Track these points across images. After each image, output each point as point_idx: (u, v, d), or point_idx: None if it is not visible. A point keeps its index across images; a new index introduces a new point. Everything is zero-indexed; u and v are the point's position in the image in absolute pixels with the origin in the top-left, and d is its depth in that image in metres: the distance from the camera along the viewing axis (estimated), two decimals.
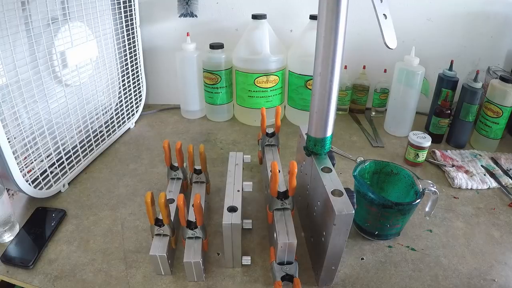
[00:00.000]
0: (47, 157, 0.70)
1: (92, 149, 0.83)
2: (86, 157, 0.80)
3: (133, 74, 0.98)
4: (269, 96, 0.97)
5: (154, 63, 1.11)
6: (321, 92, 0.48)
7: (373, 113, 1.08)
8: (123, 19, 0.91)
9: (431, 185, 0.56)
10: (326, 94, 0.48)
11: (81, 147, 0.79)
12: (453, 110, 0.91)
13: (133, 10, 0.93)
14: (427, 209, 0.60)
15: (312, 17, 0.90)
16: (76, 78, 0.75)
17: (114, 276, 0.54)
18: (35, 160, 0.66)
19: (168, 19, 1.04)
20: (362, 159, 0.82)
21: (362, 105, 1.09)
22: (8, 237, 0.60)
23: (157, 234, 0.53)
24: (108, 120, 0.91)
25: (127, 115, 0.98)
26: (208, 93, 1.01)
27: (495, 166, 0.81)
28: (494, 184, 0.75)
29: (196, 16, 1.03)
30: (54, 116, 0.69)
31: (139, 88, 1.03)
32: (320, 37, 0.44)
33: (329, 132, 0.52)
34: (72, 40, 0.72)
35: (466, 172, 0.78)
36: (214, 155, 0.87)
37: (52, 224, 0.63)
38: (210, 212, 0.67)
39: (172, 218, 0.54)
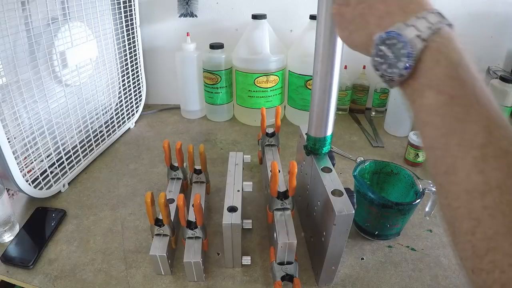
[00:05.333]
0: (47, 157, 0.70)
1: (92, 149, 0.83)
2: (86, 157, 0.80)
3: (133, 74, 0.98)
4: (269, 96, 0.97)
5: (154, 63, 1.11)
6: (320, 92, 0.48)
7: (373, 113, 1.08)
8: (123, 19, 0.91)
9: (431, 185, 0.56)
10: (326, 94, 0.48)
11: (81, 147, 0.79)
12: None
13: (133, 10, 0.93)
14: (427, 209, 0.60)
15: (312, 17, 0.90)
16: (76, 78, 0.75)
17: (114, 276, 0.54)
18: (35, 160, 0.66)
19: (168, 19, 1.04)
20: (362, 159, 0.82)
21: (362, 105, 1.09)
22: (8, 237, 0.60)
23: (157, 234, 0.53)
24: (108, 120, 0.91)
25: (127, 115, 0.98)
26: (208, 93, 1.01)
27: None
28: None
29: (196, 16, 1.03)
30: (54, 116, 0.69)
31: (139, 88, 1.03)
32: (319, 36, 0.44)
33: (329, 132, 0.52)
34: (72, 40, 0.72)
35: None
36: (214, 155, 0.87)
37: (52, 224, 0.63)
38: (210, 212, 0.67)
39: (172, 218, 0.54)
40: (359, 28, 0.32)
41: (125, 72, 0.96)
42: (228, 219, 0.50)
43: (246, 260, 0.55)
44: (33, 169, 0.66)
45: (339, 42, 0.44)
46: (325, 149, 0.54)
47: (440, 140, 0.24)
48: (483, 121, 0.23)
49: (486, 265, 0.21)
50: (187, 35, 0.96)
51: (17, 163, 0.60)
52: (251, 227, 0.61)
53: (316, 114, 0.50)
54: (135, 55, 0.98)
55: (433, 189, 0.56)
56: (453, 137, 0.23)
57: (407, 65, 0.26)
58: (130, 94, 0.99)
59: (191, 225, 0.52)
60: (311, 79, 0.91)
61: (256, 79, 0.94)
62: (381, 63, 0.29)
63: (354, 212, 0.44)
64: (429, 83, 0.26)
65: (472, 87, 0.24)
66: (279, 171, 0.58)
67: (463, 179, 0.23)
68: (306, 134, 0.55)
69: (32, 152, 0.65)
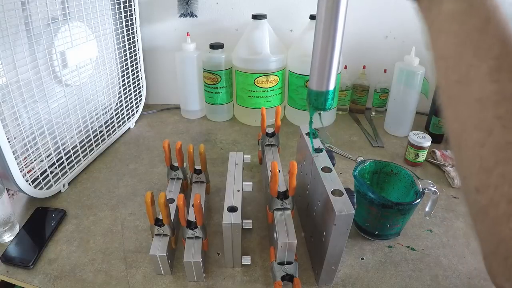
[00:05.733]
0: (47, 157, 0.70)
1: (92, 149, 0.83)
2: (86, 157, 0.80)
3: (133, 74, 0.99)
4: (269, 96, 0.97)
5: (154, 63, 1.11)
6: (323, 41, 0.44)
7: (373, 113, 1.08)
8: (123, 19, 0.91)
9: (431, 185, 0.56)
10: (330, 43, 0.44)
11: (81, 147, 0.79)
12: None
13: (133, 10, 0.93)
14: (427, 209, 0.60)
15: (312, 17, 0.90)
16: (76, 78, 0.75)
17: (114, 276, 0.54)
18: (35, 160, 0.66)
19: (168, 19, 1.04)
20: (362, 159, 0.82)
21: (362, 105, 1.09)
22: (8, 237, 0.60)
23: (157, 234, 0.53)
24: (108, 120, 0.91)
25: (127, 115, 0.98)
26: (208, 93, 1.01)
27: None
28: None
29: (196, 16, 1.03)
30: (54, 116, 0.69)
31: (139, 88, 1.03)
32: None
33: (331, 85, 0.48)
34: (72, 40, 0.72)
35: None
36: (214, 155, 0.87)
37: (52, 224, 0.63)
38: (210, 212, 0.67)
39: (172, 218, 0.54)
40: None
41: (125, 72, 0.96)
42: (228, 219, 0.50)
43: (246, 260, 0.55)
44: (33, 169, 0.66)
45: None
46: (328, 105, 0.49)
47: (455, 48, 0.24)
48: (500, 35, 0.22)
49: (494, 179, 0.20)
50: (187, 35, 0.96)
51: (17, 163, 0.60)
52: (251, 227, 0.61)
53: (319, 64, 0.46)
54: (135, 55, 0.98)
55: (433, 189, 0.56)
56: (469, 46, 0.23)
57: None
58: (130, 94, 0.99)
59: (191, 225, 0.52)
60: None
61: (256, 79, 0.94)
62: None
63: (354, 212, 0.44)
64: None
65: (490, 2, 0.24)
66: (279, 171, 0.58)
67: (476, 88, 0.22)
68: (306, 90, 0.51)
69: (32, 152, 0.65)
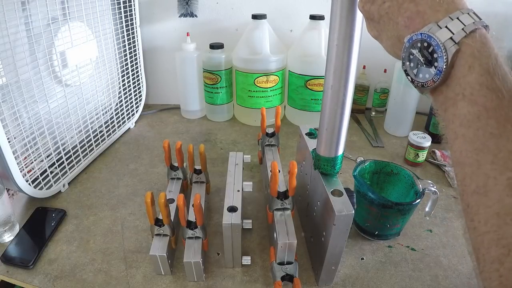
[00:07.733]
0: (47, 157, 0.70)
1: (92, 149, 0.83)
2: (86, 157, 0.80)
3: (133, 74, 0.98)
4: (269, 96, 0.97)
5: (154, 63, 1.11)
6: (332, 107, 0.44)
7: (373, 113, 1.08)
8: (123, 19, 0.91)
9: (431, 185, 0.56)
10: (339, 110, 0.44)
11: (81, 147, 0.79)
12: None
13: (133, 10, 0.93)
14: (427, 209, 0.60)
15: (312, 17, 0.90)
16: (76, 78, 0.75)
17: (114, 276, 0.54)
18: (35, 160, 0.66)
19: (168, 19, 1.04)
20: (362, 159, 0.82)
21: (362, 105, 1.09)
22: (8, 237, 0.60)
23: (157, 234, 0.53)
24: (108, 120, 0.91)
25: (127, 115, 0.98)
26: (208, 93, 1.01)
27: None
28: None
29: (196, 16, 1.03)
30: (54, 116, 0.69)
31: (139, 88, 1.03)
32: (332, 45, 0.40)
33: (340, 151, 0.49)
34: (72, 40, 0.72)
35: None
36: (214, 155, 0.87)
37: (52, 224, 0.63)
38: (210, 212, 0.67)
39: (172, 218, 0.54)
40: (387, 29, 0.30)
41: (125, 72, 0.96)
42: (228, 219, 0.50)
43: (246, 260, 0.55)
44: (33, 169, 0.66)
45: (354, 51, 0.40)
46: (336, 170, 0.50)
47: (471, 155, 0.23)
48: None
49: None
50: (187, 35, 0.96)
51: (17, 163, 0.60)
52: (251, 227, 0.61)
53: (327, 131, 0.47)
54: (135, 55, 0.98)
55: (433, 189, 0.56)
56: (487, 154, 0.22)
57: (439, 70, 0.25)
58: (130, 94, 0.99)
59: (191, 225, 0.52)
60: (311, 79, 0.92)
61: (256, 79, 0.94)
62: (412, 67, 0.27)
63: (354, 212, 0.44)
64: (462, 92, 0.24)
65: (509, 98, 0.22)
66: (279, 171, 0.58)
67: (495, 202, 0.21)
68: (313, 151, 0.52)
69: (32, 152, 0.65)
